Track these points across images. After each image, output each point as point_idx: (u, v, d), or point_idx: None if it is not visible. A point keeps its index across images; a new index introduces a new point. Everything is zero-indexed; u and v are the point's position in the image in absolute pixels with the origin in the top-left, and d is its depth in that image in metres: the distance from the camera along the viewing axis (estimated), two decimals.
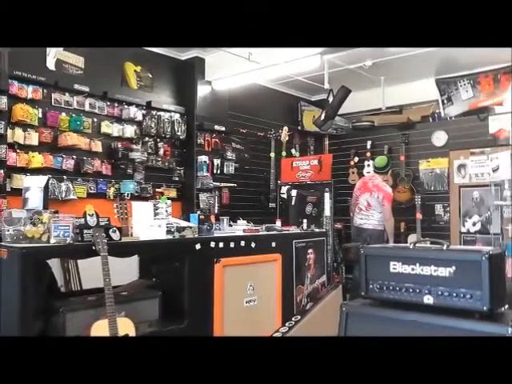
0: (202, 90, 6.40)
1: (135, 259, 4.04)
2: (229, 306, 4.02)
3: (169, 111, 6.11)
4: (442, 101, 7.28)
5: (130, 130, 5.73)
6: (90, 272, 3.56)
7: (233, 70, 6.15)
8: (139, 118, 5.81)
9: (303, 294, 4.91)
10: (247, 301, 4.23)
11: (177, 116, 6.18)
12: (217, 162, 6.47)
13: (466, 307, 1.97)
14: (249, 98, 6.97)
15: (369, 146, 7.70)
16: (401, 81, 7.41)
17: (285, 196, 6.38)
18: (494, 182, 5.57)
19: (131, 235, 3.61)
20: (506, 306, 2.09)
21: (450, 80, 7.20)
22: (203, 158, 6.26)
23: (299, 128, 7.82)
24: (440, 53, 6.01)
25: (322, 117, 6.39)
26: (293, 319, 4.25)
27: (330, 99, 6.26)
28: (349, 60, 6.09)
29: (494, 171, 5.43)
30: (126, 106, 5.72)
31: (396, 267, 2.19)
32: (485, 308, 1.92)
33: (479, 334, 1.89)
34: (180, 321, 3.67)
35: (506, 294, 2.10)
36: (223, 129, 6.55)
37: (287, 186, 6.45)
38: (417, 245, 2.26)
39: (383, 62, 6.20)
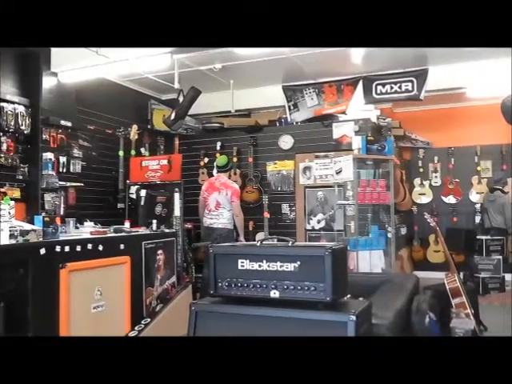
0: (48, 82, 5.99)
1: None
2: (75, 312, 3.84)
3: (12, 102, 5.64)
4: (289, 107, 7.59)
5: None
6: None
7: (81, 63, 5.85)
8: None
9: (153, 296, 4.84)
10: (95, 306, 4.06)
11: (21, 108, 5.71)
12: (63, 159, 6.10)
13: (311, 299, 2.08)
14: (97, 94, 6.69)
15: (218, 147, 7.81)
16: (250, 85, 7.62)
17: (134, 196, 6.23)
18: (337, 183, 5.93)
19: None
20: (348, 296, 2.24)
21: (296, 87, 7.53)
22: (48, 155, 5.84)
23: (149, 127, 7.69)
24: (287, 61, 6.27)
25: (172, 116, 6.36)
26: (142, 322, 4.18)
27: (181, 99, 6.24)
28: (199, 61, 6.13)
29: (337, 173, 5.77)
30: None
31: (244, 264, 2.24)
32: (328, 298, 2.04)
33: (324, 322, 2.00)
34: (24, 331, 3.44)
35: (348, 284, 2.25)
36: (70, 124, 6.18)
37: (136, 186, 6.30)
38: (264, 242, 2.33)
39: (232, 66, 6.33)
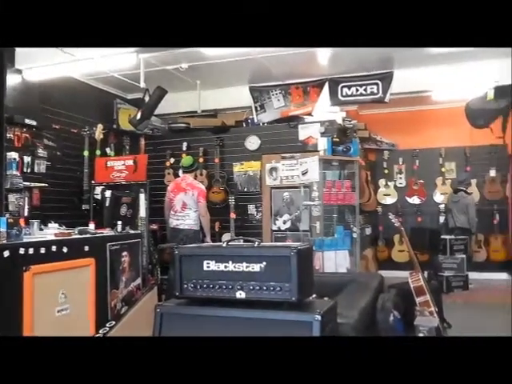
0: (12, 79, 5.85)
1: None
2: (39, 316, 3.75)
3: None
4: (255, 107, 7.62)
5: None
6: None
7: (46, 61, 5.74)
8: None
9: (118, 299, 4.78)
10: (59, 310, 3.98)
11: None
12: (27, 159, 5.97)
13: (276, 299, 2.08)
14: (62, 92, 6.58)
15: (185, 148, 7.77)
16: (216, 86, 7.61)
17: (99, 197, 6.14)
18: (303, 184, 5.98)
19: None
20: (314, 296, 2.25)
21: (262, 88, 7.55)
22: (13, 155, 5.71)
23: (114, 126, 7.61)
24: (254, 62, 6.28)
25: (138, 116, 6.30)
26: (107, 325, 4.11)
27: (147, 99, 6.19)
28: (165, 61, 6.09)
29: (303, 174, 5.81)
30: None
31: (210, 265, 2.22)
32: (293, 299, 2.05)
33: (289, 322, 2.01)
34: None
35: (314, 284, 2.26)
36: (34, 123, 6.06)
37: (101, 187, 6.21)
38: (230, 243, 2.32)
39: (199, 66, 6.30)
